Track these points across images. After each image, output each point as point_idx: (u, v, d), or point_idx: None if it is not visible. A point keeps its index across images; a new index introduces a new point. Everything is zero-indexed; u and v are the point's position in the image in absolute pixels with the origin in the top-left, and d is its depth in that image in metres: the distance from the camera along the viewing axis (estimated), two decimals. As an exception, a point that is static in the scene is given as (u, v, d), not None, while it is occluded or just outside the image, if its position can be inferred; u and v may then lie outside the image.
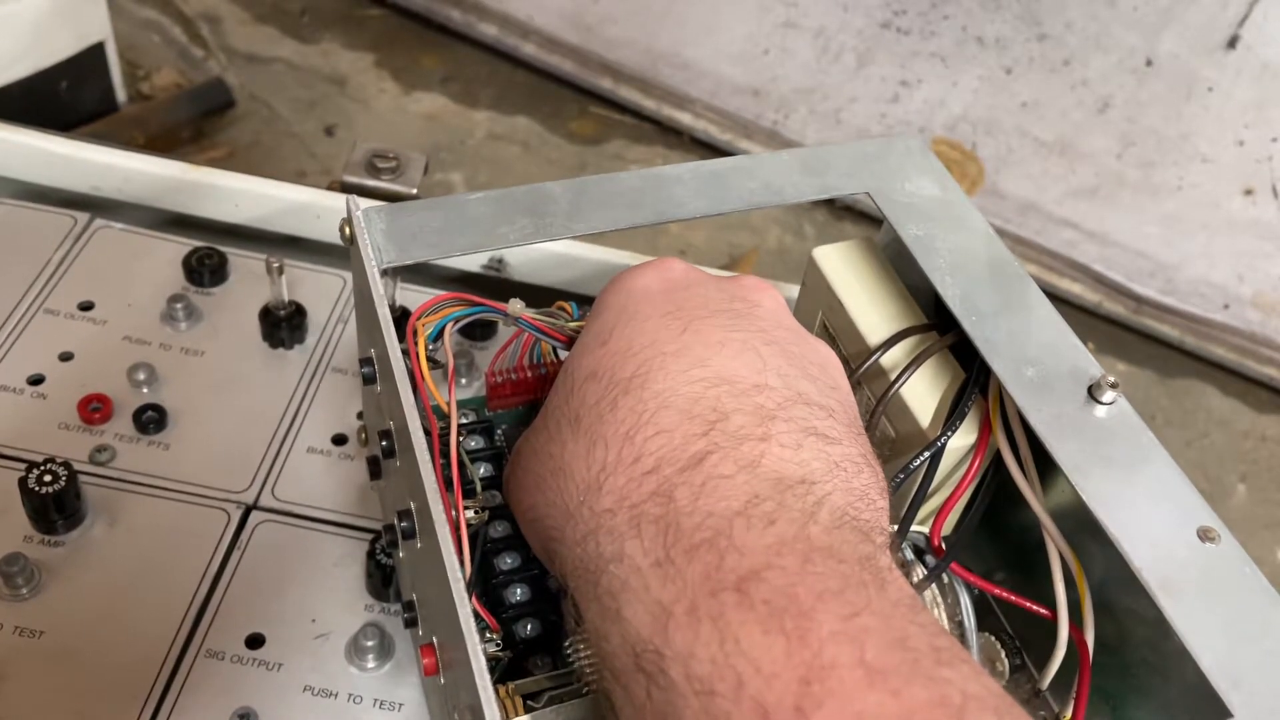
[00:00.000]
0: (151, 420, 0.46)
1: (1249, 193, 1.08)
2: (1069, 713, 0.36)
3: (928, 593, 0.35)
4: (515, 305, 0.39)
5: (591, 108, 1.35)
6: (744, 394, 0.29)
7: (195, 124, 1.21)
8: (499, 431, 0.43)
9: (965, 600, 0.36)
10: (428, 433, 0.31)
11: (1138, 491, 0.32)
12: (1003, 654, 0.37)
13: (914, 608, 0.25)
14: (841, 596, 0.24)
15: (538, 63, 1.35)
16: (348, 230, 0.35)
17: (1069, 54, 1.09)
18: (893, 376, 0.37)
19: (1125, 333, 1.20)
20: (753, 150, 1.29)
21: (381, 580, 0.41)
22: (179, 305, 0.50)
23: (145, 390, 0.47)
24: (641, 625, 0.25)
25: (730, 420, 0.28)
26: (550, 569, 0.32)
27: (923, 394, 0.37)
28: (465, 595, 0.26)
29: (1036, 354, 0.35)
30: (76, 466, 0.42)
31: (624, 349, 0.30)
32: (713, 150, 1.31)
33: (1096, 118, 1.11)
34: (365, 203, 0.37)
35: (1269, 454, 1.13)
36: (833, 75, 1.22)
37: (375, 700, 0.39)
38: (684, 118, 1.31)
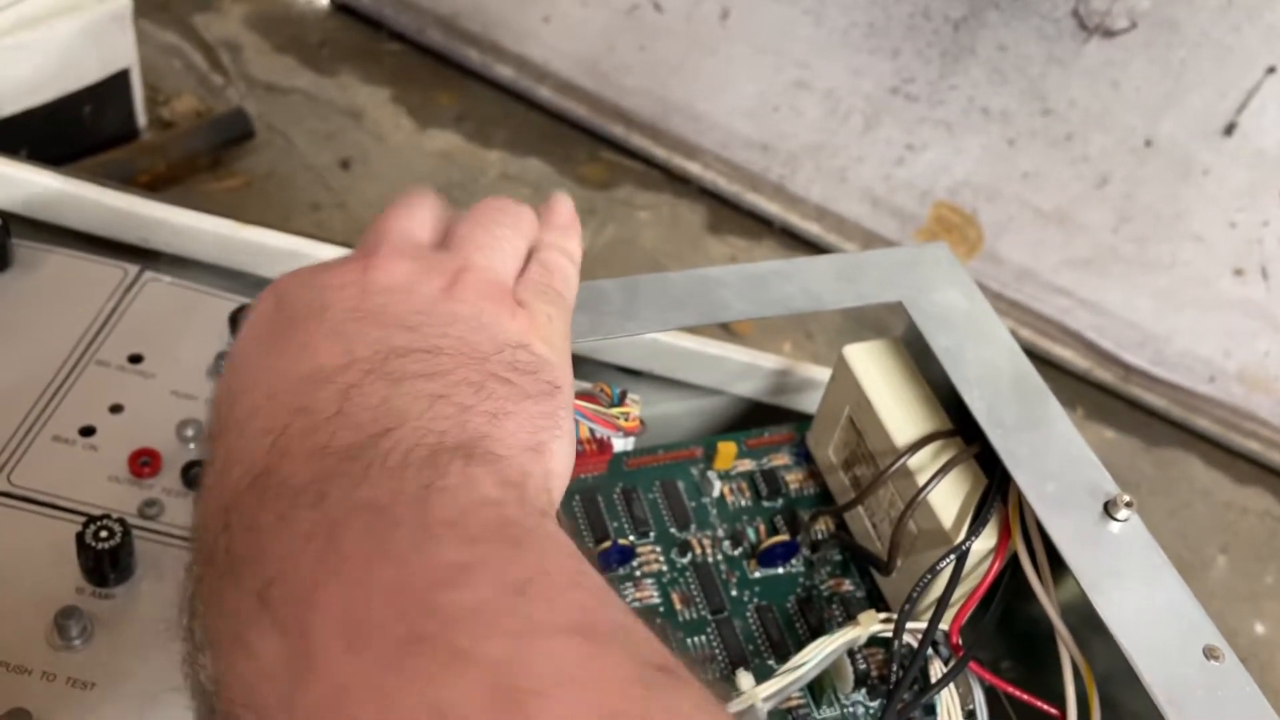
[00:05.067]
0: (198, 477, 0.48)
1: (1239, 272, 1.12)
2: (1073, 808, 0.38)
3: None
4: (565, 393, 0.41)
5: (602, 153, 1.38)
6: (325, 382, 0.28)
7: (214, 153, 1.23)
8: (536, 505, 0.45)
9: (978, 694, 0.38)
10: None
11: (1149, 608, 0.34)
12: (1011, 746, 0.40)
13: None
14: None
15: (552, 106, 1.38)
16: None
17: (1071, 130, 1.12)
18: (919, 478, 0.40)
19: (1113, 400, 1.23)
20: (759, 202, 1.32)
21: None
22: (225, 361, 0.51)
23: (192, 446, 0.49)
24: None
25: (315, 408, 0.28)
26: None
27: (947, 498, 0.39)
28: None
29: (1056, 468, 0.37)
30: (127, 520, 0.44)
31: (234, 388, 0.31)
32: (720, 200, 1.34)
33: (1095, 192, 1.14)
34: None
35: (1249, 527, 1.16)
36: (840, 135, 1.25)
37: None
38: (693, 167, 1.33)
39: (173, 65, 1.35)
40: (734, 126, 1.30)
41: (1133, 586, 0.34)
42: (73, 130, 1.09)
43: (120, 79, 1.11)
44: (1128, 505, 0.36)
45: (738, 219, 1.35)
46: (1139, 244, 1.14)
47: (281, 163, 1.27)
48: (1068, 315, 1.22)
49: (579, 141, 1.39)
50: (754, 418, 0.59)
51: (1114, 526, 0.36)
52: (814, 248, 1.31)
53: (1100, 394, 1.23)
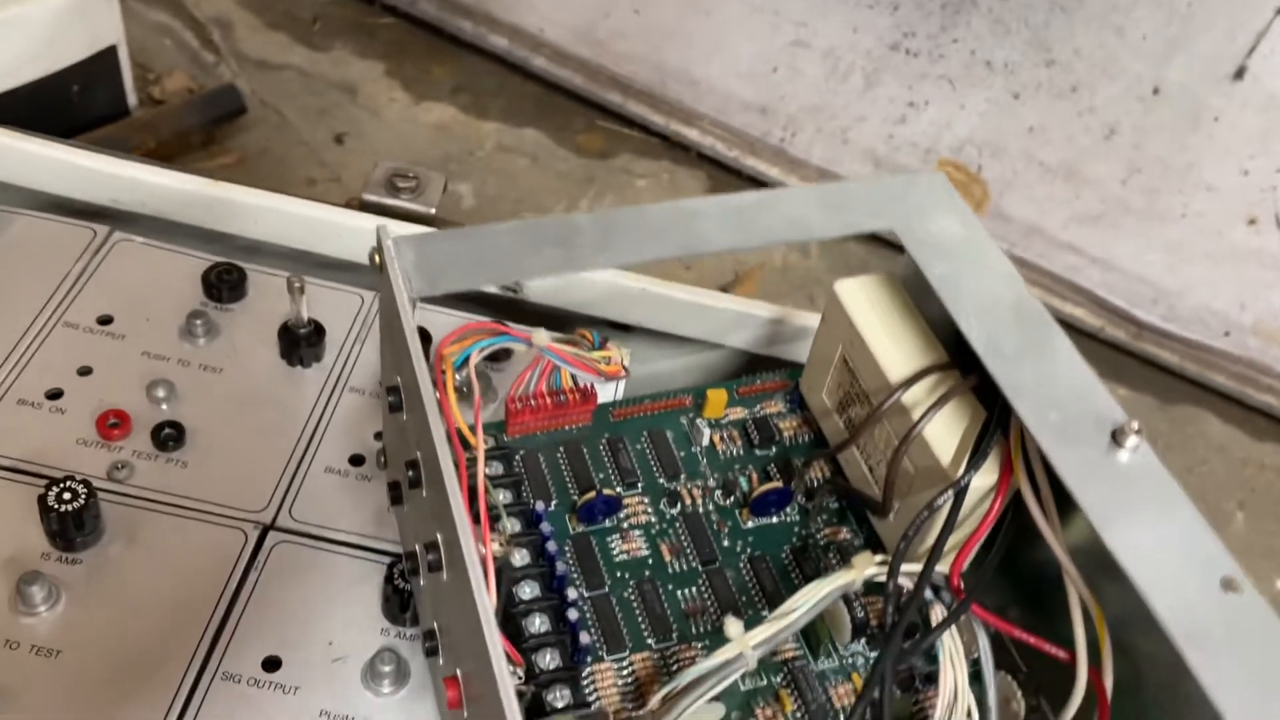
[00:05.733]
0: (170, 437, 0.46)
1: (1252, 222, 1.09)
2: (1085, 755, 0.36)
3: (947, 632, 0.35)
4: (540, 335, 0.40)
5: (599, 121, 1.36)
6: None
7: (206, 130, 1.21)
8: (517, 457, 0.44)
9: (983, 639, 0.36)
10: (456, 465, 0.31)
11: (1161, 540, 0.32)
12: (1019, 694, 0.38)
13: None
14: None
15: (547, 75, 1.35)
16: (378, 259, 0.35)
17: (1076, 80, 1.09)
18: (914, 414, 0.38)
19: (1126, 358, 1.20)
20: (759, 167, 1.29)
21: (399, 605, 0.41)
22: (198, 321, 0.50)
23: (164, 407, 0.47)
24: None
25: None
26: None
27: (943, 433, 0.37)
28: (498, 638, 0.26)
29: (1060, 397, 0.35)
30: (95, 483, 0.42)
31: None
32: (719, 166, 1.31)
33: (1102, 144, 1.11)
34: (394, 227, 0.37)
35: (1267, 482, 1.13)
36: (840, 95, 1.22)
37: (391, 725, 0.40)
38: (691, 133, 1.31)
39: (163, 44, 1.33)
40: (732, 90, 1.28)
41: (1144, 518, 0.32)
42: (62, 109, 1.07)
43: (108, 56, 1.09)
44: (1137, 433, 0.34)
45: (738, 185, 1.32)
46: (1149, 196, 1.11)
47: (275, 139, 1.26)
48: (1077, 273, 1.19)
49: (575, 110, 1.36)
50: (750, 372, 0.57)
51: (1123, 456, 0.34)
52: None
53: (1112, 352, 1.20)
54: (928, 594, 0.36)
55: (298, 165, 1.23)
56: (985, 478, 0.36)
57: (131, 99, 1.12)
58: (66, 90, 1.06)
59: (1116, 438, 0.34)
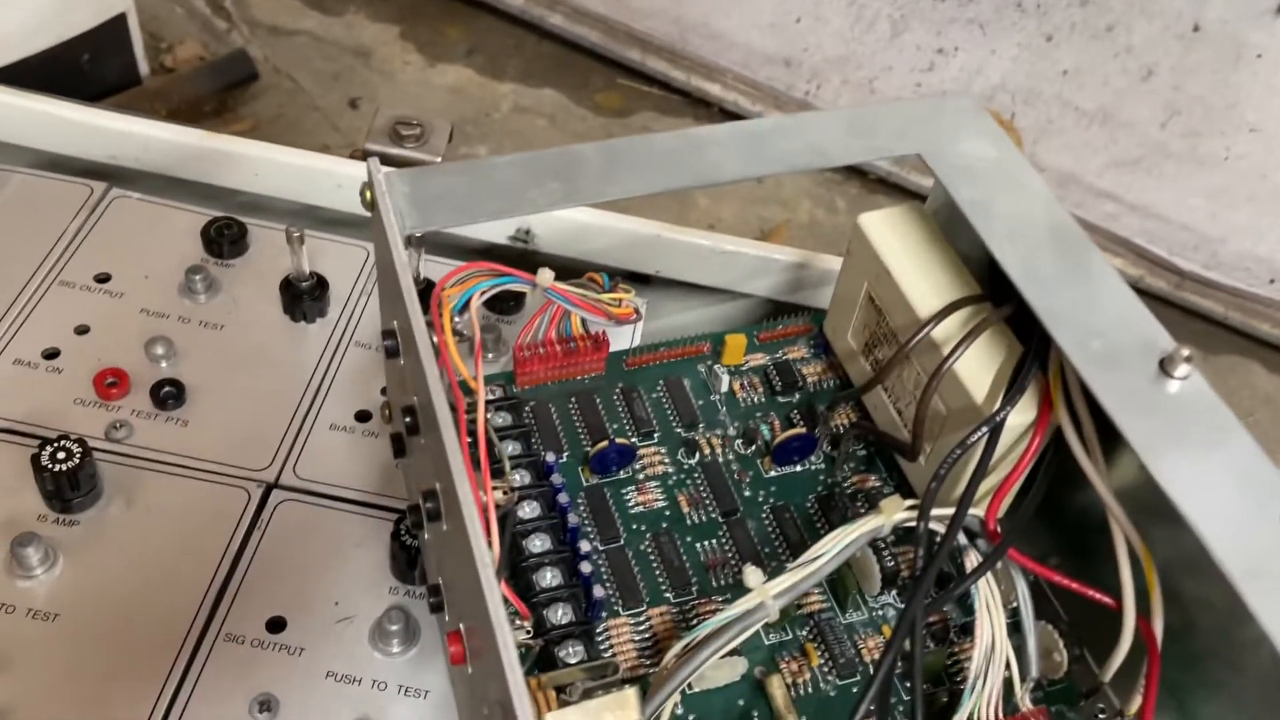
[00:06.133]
0: (170, 395, 0.44)
1: (1299, 163, 1.04)
2: (1134, 707, 0.34)
3: (982, 580, 0.33)
4: (544, 275, 0.38)
5: (619, 79, 1.33)
6: None
7: (218, 97, 1.19)
8: (527, 408, 0.42)
9: (1022, 586, 0.34)
10: (453, 409, 0.29)
11: (1215, 473, 0.29)
12: (1061, 644, 0.35)
13: None
14: None
15: (564, 33, 1.33)
16: (369, 195, 0.33)
17: (1113, 20, 1.05)
18: (945, 350, 0.35)
19: (1167, 308, 1.16)
20: (783, 122, 1.26)
21: (406, 562, 0.40)
22: (198, 277, 0.48)
23: (164, 365, 0.46)
24: None
25: None
26: None
27: (976, 368, 0.35)
28: (494, 583, 0.24)
29: (1103, 325, 0.32)
30: (92, 443, 0.41)
31: None
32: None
33: (1140, 86, 1.07)
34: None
35: (1317, 433, 1.09)
36: (867, 44, 1.19)
37: (400, 687, 0.38)
38: (713, 89, 1.28)
39: (174, 12, 1.31)
40: (754, 43, 1.24)
41: (1196, 451, 0.30)
42: (73, 79, 1.05)
43: (118, 24, 1.08)
44: (1187, 360, 0.31)
45: (762, 140, 1.29)
46: (1190, 139, 1.07)
47: (289, 105, 1.24)
48: (1115, 221, 1.15)
49: (594, 69, 1.34)
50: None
51: (1172, 386, 0.31)
52: (844, 167, 1.25)
53: (1153, 302, 1.16)
54: (962, 540, 0.34)
55: (312, 131, 1.21)
56: (1022, 414, 0.34)
57: (143, 67, 1.10)
58: (77, 59, 1.05)
59: (1165, 366, 0.31)
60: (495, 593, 0.24)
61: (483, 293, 0.36)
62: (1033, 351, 0.34)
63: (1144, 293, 1.17)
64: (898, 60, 1.18)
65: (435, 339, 0.33)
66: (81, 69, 1.06)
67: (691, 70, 1.28)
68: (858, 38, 1.19)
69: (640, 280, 0.56)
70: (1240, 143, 1.05)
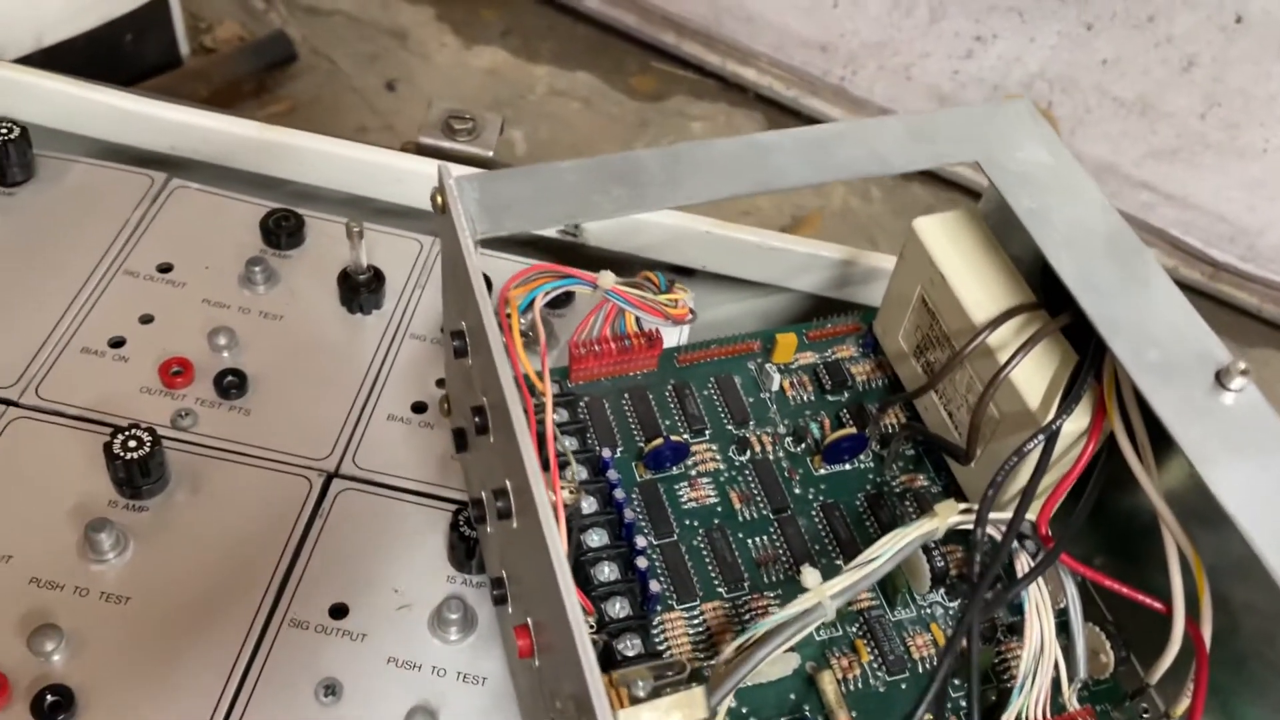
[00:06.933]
0: (232, 385, 0.45)
1: (1341, 156, 1.04)
2: (1178, 709, 0.35)
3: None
4: (606, 278, 0.38)
5: (653, 63, 1.33)
6: None
7: (257, 78, 1.20)
8: (582, 404, 0.43)
9: (1071, 589, 0.35)
10: (524, 410, 0.30)
11: (1268, 481, 0.30)
12: (1108, 645, 0.36)
13: None
14: None
15: (599, 16, 1.33)
16: (440, 199, 0.34)
17: (1154, 10, 1.04)
18: (1000, 356, 0.36)
19: (1202, 299, 1.16)
20: (819, 107, 1.26)
21: (465, 552, 0.41)
22: (257, 268, 0.49)
23: (225, 354, 0.47)
24: None
25: None
26: None
27: (1031, 375, 0.36)
28: (572, 587, 0.25)
29: (1159, 335, 0.33)
30: (160, 431, 0.42)
31: None
32: (777, 107, 1.28)
33: (1180, 76, 1.07)
34: (455, 169, 0.36)
35: (1350, 428, 1.09)
36: (904, 30, 1.18)
37: (459, 673, 0.39)
38: (748, 73, 1.28)
39: (213, -8, 1.32)
40: (790, 27, 1.24)
41: (1251, 462, 0.30)
42: (115, 59, 1.07)
43: (159, 5, 1.09)
44: (1243, 374, 0.32)
45: (797, 125, 1.29)
46: (1229, 130, 1.07)
47: (326, 86, 1.25)
48: (1151, 211, 1.15)
49: (628, 52, 1.34)
50: (817, 316, 0.56)
51: (1228, 398, 0.32)
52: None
53: (1187, 294, 1.16)
54: (1014, 543, 0.35)
55: (349, 113, 1.22)
56: (1077, 422, 0.34)
57: (184, 48, 1.11)
58: (119, 40, 1.06)
59: (1221, 379, 0.32)
60: (573, 595, 0.25)
61: (547, 294, 0.37)
62: (1088, 360, 0.34)
63: (1178, 283, 1.16)
64: (935, 47, 1.18)
65: (504, 339, 0.33)
66: (124, 49, 1.08)
67: (726, 54, 1.28)
68: (895, 23, 1.18)
69: (686, 273, 0.57)
70: (1281, 135, 1.05)
